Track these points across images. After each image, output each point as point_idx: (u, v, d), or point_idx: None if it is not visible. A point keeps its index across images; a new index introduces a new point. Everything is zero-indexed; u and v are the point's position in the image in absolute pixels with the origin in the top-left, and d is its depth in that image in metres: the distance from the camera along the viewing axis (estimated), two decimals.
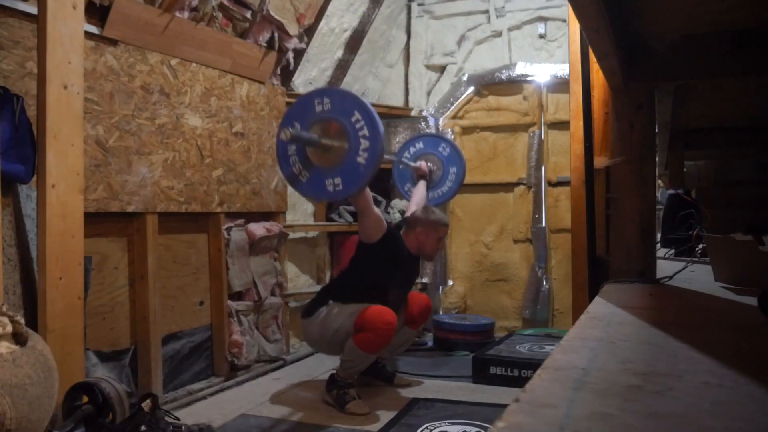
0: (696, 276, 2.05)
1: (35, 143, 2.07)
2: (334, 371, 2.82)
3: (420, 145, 3.52)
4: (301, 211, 4.03)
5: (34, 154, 2.07)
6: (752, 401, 0.74)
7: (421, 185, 3.37)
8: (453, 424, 2.49)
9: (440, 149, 3.48)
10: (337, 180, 2.21)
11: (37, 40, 2.04)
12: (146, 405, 2.09)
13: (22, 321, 1.60)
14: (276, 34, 3.47)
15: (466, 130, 4.47)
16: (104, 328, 2.62)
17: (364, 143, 2.18)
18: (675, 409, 0.69)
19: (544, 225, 4.23)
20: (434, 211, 2.97)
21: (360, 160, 2.18)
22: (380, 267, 2.79)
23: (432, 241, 2.91)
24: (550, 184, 4.23)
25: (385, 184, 4.51)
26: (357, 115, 2.20)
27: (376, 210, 2.69)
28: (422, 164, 3.41)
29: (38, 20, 2.02)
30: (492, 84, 4.36)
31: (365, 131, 2.18)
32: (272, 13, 3.35)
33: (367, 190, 2.50)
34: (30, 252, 2.11)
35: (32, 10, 2.15)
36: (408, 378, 3.17)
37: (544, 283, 4.19)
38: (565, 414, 0.66)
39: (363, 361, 2.76)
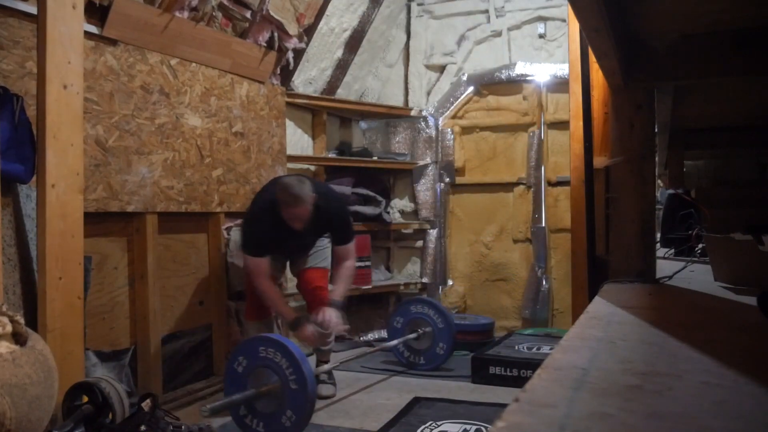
0: (696, 276, 2.05)
1: (35, 143, 2.07)
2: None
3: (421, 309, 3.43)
4: None
5: (34, 154, 2.07)
6: (752, 401, 0.74)
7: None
8: (453, 423, 2.49)
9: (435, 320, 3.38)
10: (288, 413, 2.26)
11: (37, 40, 2.04)
12: (146, 405, 2.09)
13: (22, 321, 1.60)
14: (276, 34, 3.47)
15: (466, 130, 4.47)
16: (104, 328, 2.62)
17: (290, 374, 2.25)
18: (675, 409, 0.69)
19: (543, 225, 4.23)
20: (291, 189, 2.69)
21: (293, 386, 2.24)
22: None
23: (289, 215, 2.73)
24: (549, 183, 4.23)
25: (384, 184, 4.51)
26: (268, 351, 2.31)
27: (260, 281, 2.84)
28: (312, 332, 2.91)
29: (38, 20, 2.02)
30: (492, 84, 4.36)
31: (284, 362, 2.27)
32: (272, 13, 3.35)
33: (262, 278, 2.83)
34: (30, 252, 2.11)
35: (32, 10, 2.15)
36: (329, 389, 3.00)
37: (544, 282, 4.19)
38: (565, 414, 0.66)
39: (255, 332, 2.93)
